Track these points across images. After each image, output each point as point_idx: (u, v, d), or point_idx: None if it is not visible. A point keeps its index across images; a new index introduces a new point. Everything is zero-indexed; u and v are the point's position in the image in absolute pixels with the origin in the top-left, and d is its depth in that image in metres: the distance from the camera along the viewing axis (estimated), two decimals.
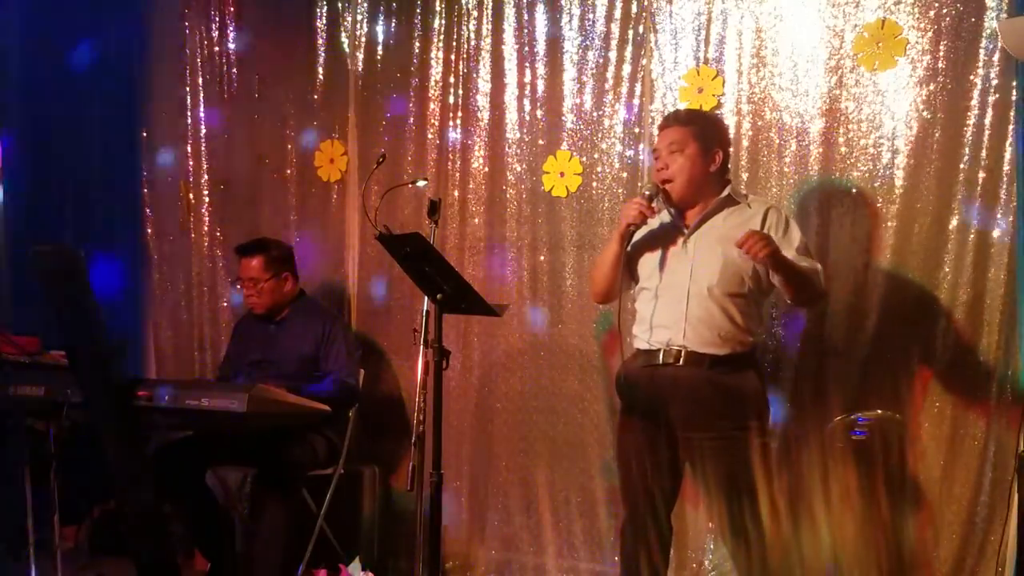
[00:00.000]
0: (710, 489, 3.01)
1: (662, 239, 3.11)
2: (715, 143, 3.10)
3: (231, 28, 4.82)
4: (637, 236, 3.11)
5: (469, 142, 4.29)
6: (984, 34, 3.39)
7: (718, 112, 3.76)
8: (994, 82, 3.38)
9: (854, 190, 3.58)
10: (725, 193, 3.09)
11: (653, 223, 3.12)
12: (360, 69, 4.52)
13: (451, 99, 4.32)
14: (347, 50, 4.56)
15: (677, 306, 3.01)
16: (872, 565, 3.14)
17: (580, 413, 4.04)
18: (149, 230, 4.96)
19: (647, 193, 3.06)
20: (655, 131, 3.86)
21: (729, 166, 3.28)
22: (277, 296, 4.07)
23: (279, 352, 4.02)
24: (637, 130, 3.95)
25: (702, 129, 3.10)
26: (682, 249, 3.07)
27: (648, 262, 3.12)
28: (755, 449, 2.94)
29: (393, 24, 4.46)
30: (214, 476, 3.93)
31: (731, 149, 3.43)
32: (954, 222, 3.43)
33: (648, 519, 3.03)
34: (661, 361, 3.01)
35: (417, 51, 4.40)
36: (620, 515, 3.79)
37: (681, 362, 2.98)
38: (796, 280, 2.97)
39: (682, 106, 3.80)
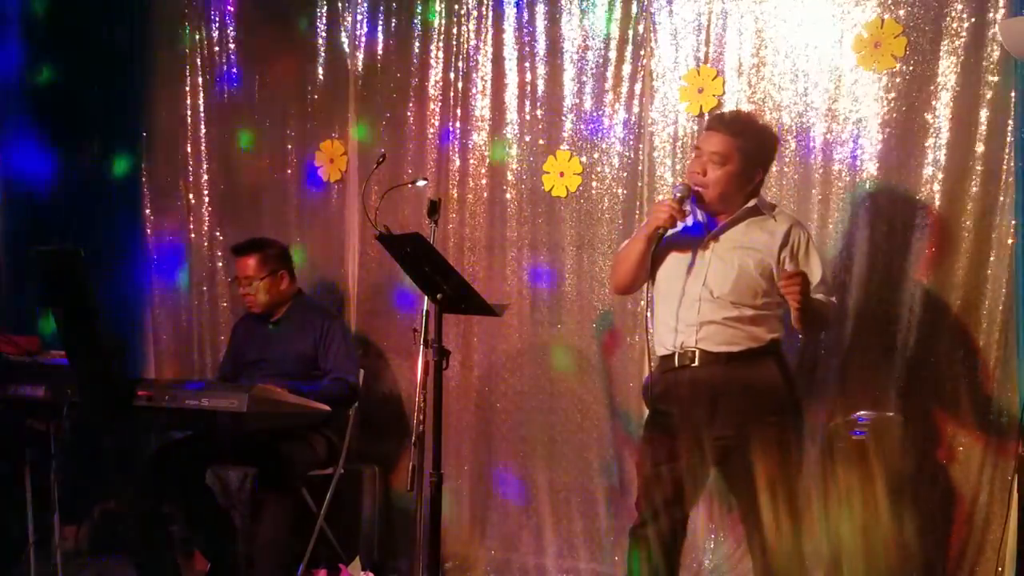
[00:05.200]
0: (736, 486, 2.97)
1: (684, 242, 3.02)
2: (759, 163, 2.99)
3: (231, 28, 4.82)
4: None
5: (469, 142, 4.29)
6: (984, 34, 3.39)
7: (717, 112, 3.75)
8: (994, 82, 3.38)
9: (853, 190, 3.58)
10: (752, 203, 2.99)
11: (678, 224, 3.03)
12: (360, 69, 4.52)
13: (451, 99, 4.32)
14: (347, 50, 4.56)
15: (690, 309, 2.95)
16: (872, 565, 3.14)
17: (580, 413, 4.04)
18: (149, 230, 4.97)
19: (678, 195, 2.97)
20: (655, 131, 3.88)
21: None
22: (274, 294, 4.07)
23: (277, 352, 4.01)
24: (637, 130, 3.94)
25: (749, 144, 2.96)
26: (700, 255, 2.99)
27: (667, 262, 3.03)
28: (780, 441, 2.88)
29: (393, 24, 4.46)
30: (214, 476, 3.93)
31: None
32: (954, 222, 3.43)
33: (676, 521, 2.97)
34: (677, 364, 2.96)
35: (417, 51, 4.40)
36: (621, 515, 3.82)
37: (696, 363, 2.93)
38: (808, 318, 2.90)
39: (682, 106, 3.81)
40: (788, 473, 2.88)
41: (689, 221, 3.04)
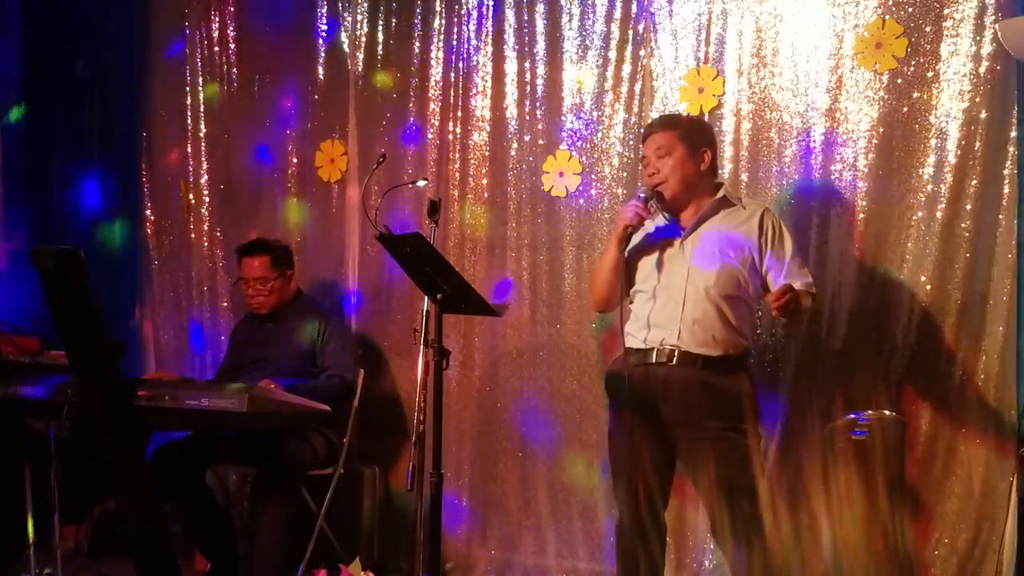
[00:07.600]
0: (702, 489, 3.04)
1: (659, 242, 3.13)
2: (701, 143, 3.14)
3: (231, 28, 4.82)
4: (634, 240, 3.12)
5: (469, 142, 4.29)
6: (984, 34, 3.39)
7: (718, 112, 3.77)
8: (994, 82, 3.38)
9: (854, 190, 3.58)
10: (720, 195, 3.12)
11: (649, 227, 3.15)
12: (360, 69, 4.52)
13: (451, 99, 4.32)
14: (347, 50, 4.56)
15: (673, 307, 3.02)
16: (872, 565, 3.14)
17: (580, 413, 4.04)
18: (149, 230, 4.96)
19: (642, 196, 3.09)
20: None
21: (719, 167, 3.30)
22: (282, 295, 4.09)
23: (277, 350, 4.02)
24: (637, 130, 3.94)
25: (687, 131, 3.14)
26: (679, 251, 3.09)
27: (645, 265, 3.14)
28: (746, 450, 2.96)
29: (393, 24, 4.46)
30: (214, 476, 3.93)
31: (720, 149, 3.49)
32: (955, 222, 3.43)
33: (646, 516, 3.03)
34: (654, 360, 3.03)
35: (417, 51, 4.40)
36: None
37: (674, 362, 3.00)
38: (797, 316, 3.14)
39: (682, 107, 3.81)
40: (753, 479, 2.95)
41: (661, 222, 3.15)
